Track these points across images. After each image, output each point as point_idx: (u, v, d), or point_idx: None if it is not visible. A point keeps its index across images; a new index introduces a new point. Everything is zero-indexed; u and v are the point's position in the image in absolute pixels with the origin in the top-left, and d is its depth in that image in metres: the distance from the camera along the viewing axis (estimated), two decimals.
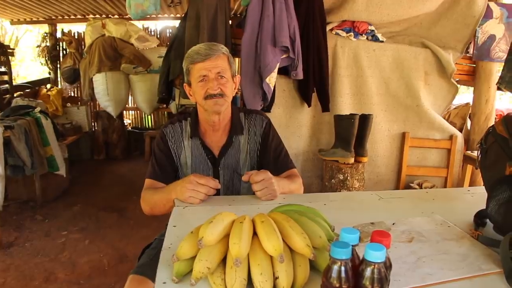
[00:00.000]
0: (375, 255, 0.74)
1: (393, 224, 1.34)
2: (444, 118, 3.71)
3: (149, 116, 7.86)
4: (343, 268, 0.76)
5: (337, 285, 0.77)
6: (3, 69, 5.78)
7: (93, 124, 7.15)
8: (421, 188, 3.39)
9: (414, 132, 3.52)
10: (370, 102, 3.38)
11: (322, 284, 0.80)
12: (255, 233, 1.00)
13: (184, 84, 1.85)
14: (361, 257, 0.80)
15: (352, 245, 0.79)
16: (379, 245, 0.76)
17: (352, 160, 3.03)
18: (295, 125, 3.38)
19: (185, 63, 1.79)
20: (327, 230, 1.07)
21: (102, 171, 6.28)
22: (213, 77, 1.70)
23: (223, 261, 0.98)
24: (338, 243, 0.77)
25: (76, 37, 7.21)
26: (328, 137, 3.36)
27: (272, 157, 1.84)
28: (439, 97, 3.64)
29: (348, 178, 3.02)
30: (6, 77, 5.87)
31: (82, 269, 3.35)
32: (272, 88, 2.95)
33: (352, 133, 2.98)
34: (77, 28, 7.55)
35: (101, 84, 5.81)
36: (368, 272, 0.76)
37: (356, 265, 0.80)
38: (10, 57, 6.02)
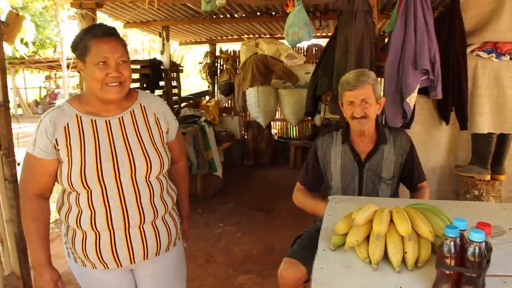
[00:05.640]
0: (476, 236, 1.09)
1: (510, 229, 1.60)
2: None
3: (294, 127, 8.36)
4: (452, 243, 1.12)
5: (448, 255, 1.13)
6: (174, 83, 6.80)
7: (244, 133, 7.84)
8: None
9: None
10: (511, 122, 3.43)
11: (437, 255, 1.16)
12: (391, 221, 1.39)
13: (339, 102, 2.29)
14: None
15: (460, 230, 1.14)
16: (480, 230, 1.10)
17: (488, 177, 3.15)
18: (433, 142, 3.54)
19: (339, 89, 2.25)
20: (447, 224, 1.41)
21: (251, 175, 6.91)
22: (358, 103, 2.12)
23: (367, 239, 1.39)
24: (449, 226, 1.14)
25: (232, 55, 8.06)
26: (466, 154, 3.46)
27: (415, 168, 2.29)
28: None
29: (484, 194, 3.16)
30: (176, 90, 6.90)
31: (236, 256, 3.92)
32: (412, 107, 3.22)
33: (489, 151, 3.11)
34: (233, 47, 8.42)
35: (253, 97, 6.36)
36: (470, 248, 1.10)
37: (464, 245, 1.15)
38: (179, 73, 7.08)
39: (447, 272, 1.13)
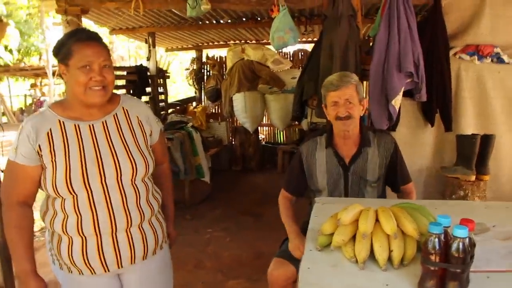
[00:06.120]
0: (459, 232, 1.10)
1: (494, 226, 1.63)
2: None
3: (281, 132, 8.39)
4: (436, 240, 1.13)
5: (432, 251, 1.14)
6: (161, 90, 6.79)
7: (231, 138, 7.84)
8: None
9: None
10: (495, 122, 3.46)
11: (422, 252, 1.18)
12: (377, 221, 1.40)
13: (322, 105, 2.32)
14: None
15: (444, 226, 1.16)
16: (463, 226, 1.12)
17: (473, 177, 3.19)
18: (419, 144, 3.58)
19: (322, 90, 2.27)
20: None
21: (239, 181, 6.90)
22: (342, 103, 2.15)
23: (353, 238, 1.40)
24: (433, 223, 1.15)
25: (218, 60, 8.08)
26: (451, 155, 3.48)
27: (399, 170, 2.30)
28: None
29: (469, 194, 3.19)
30: (163, 97, 6.89)
31: (225, 261, 3.91)
32: (397, 110, 3.25)
33: (474, 152, 3.15)
34: (220, 53, 8.45)
35: (240, 102, 6.35)
36: (454, 244, 1.12)
37: (448, 242, 1.16)
38: (166, 80, 7.07)
39: (432, 268, 1.15)
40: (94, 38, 1.61)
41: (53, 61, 11.86)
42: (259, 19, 5.60)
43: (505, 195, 3.55)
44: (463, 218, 1.19)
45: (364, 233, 1.31)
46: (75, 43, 1.55)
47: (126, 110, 1.75)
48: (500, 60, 3.49)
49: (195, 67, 8.22)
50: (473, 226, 1.18)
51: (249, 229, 4.71)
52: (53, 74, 11.41)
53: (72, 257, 1.61)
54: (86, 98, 1.58)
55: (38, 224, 1.77)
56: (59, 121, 1.61)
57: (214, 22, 5.88)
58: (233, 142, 7.77)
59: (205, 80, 8.24)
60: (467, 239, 1.12)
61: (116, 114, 1.72)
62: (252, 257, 3.99)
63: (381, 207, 1.43)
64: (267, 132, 8.79)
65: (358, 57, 3.44)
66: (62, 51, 1.58)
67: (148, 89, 6.30)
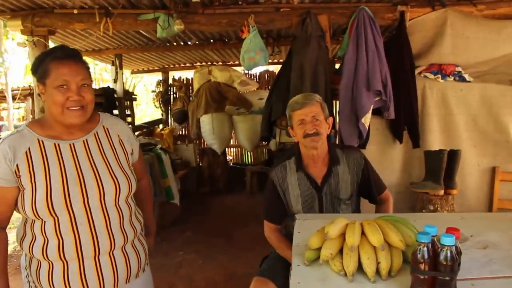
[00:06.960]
0: (447, 240, 1.13)
1: (471, 236, 1.68)
2: None
3: (249, 153, 8.43)
4: (425, 249, 1.16)
5: (421, 260, 1.16)
6: (128, 112, 6.71)
7: (199, 160, 7.81)
8: None
9: (505, 166, 3.64)
10: (459, 138, 3.59)
11: (412, 261, 1.20)
12: (363, 233, 1.42)
13: (289, 128, 2.32)
14: None
15: (432, 236, 1.19)
16: (450, 234, 1.15)
17: (441, 192, 3.28)
18: (388, 160, 3.67)
19: (288, 111, 2.28)
20: (415, 234, 1.45)
21: (208, 202, 6.85)
22: (309, 120, 2.16)
23: (340, 252, 1.41)
24: (422, 232, 1.18)
25: (185, 82, 8.06)
26: (419, 171, 3.60)
27: (373, 182, 2.31)
28: None
29: (438, 208, 3.28)
30: (130, 119, 6.80)
31: (198, 284, 3.84)
32: (367, 127, 3.33)
33: (441, 167, 3.25)
34: (186, 74, 8.44)
35: (207, 124, 6.35)
36: (442, 252, 1.15)
37: (436, 250, 1.19)
38: (133, 102, 7.00)
39: (422, 277, 1.17)
40: (71, 56, 1.58)
41: (13, 84, 11.54)
42: (226, 40, 5.64)
43: (471, 209, 3.67)
44: (448, 227, 1.22)
45: (352, 246, 1.33)
46: (51, 61, 1.53)
47: (107, 128, 1.72)
48: (461, 79, 3.64)
49: (161, 89, 8.17)
50: (458, 235, 1.21)
51: (221, 250, 4.66)
52: (13, 98, 11.08)
53: (52, 283, 1.55)
54: (64, 119, 1.55)
55: (11, 247, 1.69)
56: (38, 140, 1.56)
57: (182, 43, 5.89)
58: (201, 164, 7.73)
59: (171, 102, 8.20)
60: (454, 247, 1.15)
61: (97, 133, 1.69)
62: (226, 278, 3.93)
63: (366, 219, 1.45)
64: (234, 153, 8.81)
65: (327, 76, 3.52)
66: (39, 69, 1.55)
67: (115, 112, 6.21)
